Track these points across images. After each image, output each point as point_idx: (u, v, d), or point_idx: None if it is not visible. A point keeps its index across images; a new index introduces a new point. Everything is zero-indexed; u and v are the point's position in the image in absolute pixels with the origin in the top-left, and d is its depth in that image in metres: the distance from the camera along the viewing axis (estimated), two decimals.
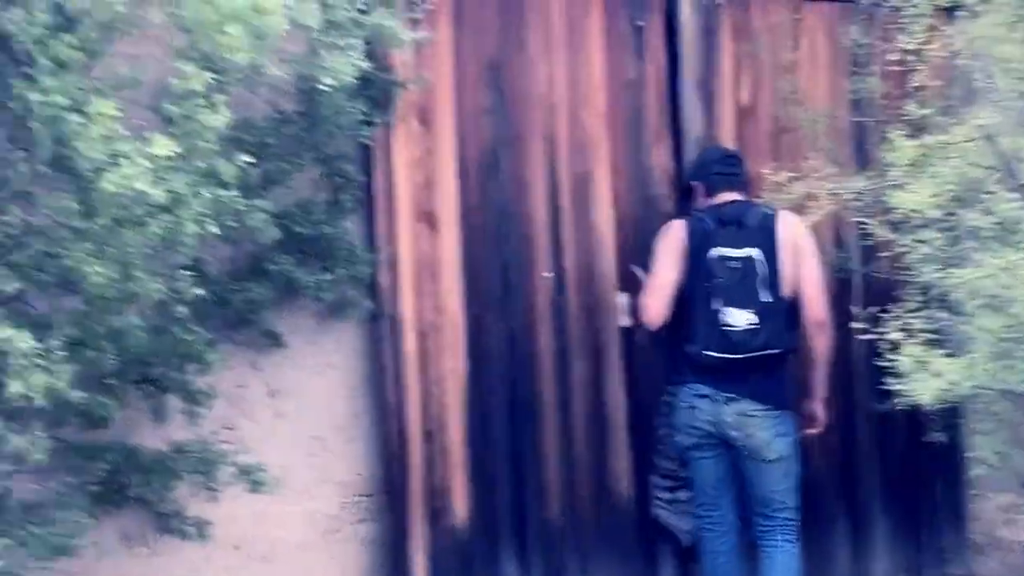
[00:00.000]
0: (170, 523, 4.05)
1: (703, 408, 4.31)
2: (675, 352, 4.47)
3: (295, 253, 4.20)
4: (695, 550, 4.55)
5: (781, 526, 4.34)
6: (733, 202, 4.37)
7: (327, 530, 4.40)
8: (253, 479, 3.88)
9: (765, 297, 4.23)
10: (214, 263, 4.11)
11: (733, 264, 4.25)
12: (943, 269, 3.38)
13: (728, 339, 4.21)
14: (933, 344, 3.25)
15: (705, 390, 4.30)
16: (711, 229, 4.31)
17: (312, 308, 4.35)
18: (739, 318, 4.20)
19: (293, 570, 4.34)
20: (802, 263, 4.30)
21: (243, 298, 4.09)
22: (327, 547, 4.40)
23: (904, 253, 3.77)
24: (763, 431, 4.27)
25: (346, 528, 4.43)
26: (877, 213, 3.93)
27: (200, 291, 3.38)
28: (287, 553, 4.33)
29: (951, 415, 4.43)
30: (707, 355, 4.24)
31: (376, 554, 4.46)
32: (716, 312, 4.22)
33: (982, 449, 4.01)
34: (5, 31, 3.16)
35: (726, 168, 4.43)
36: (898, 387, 3.20)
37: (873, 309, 3.93)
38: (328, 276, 4.20)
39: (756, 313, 4.20)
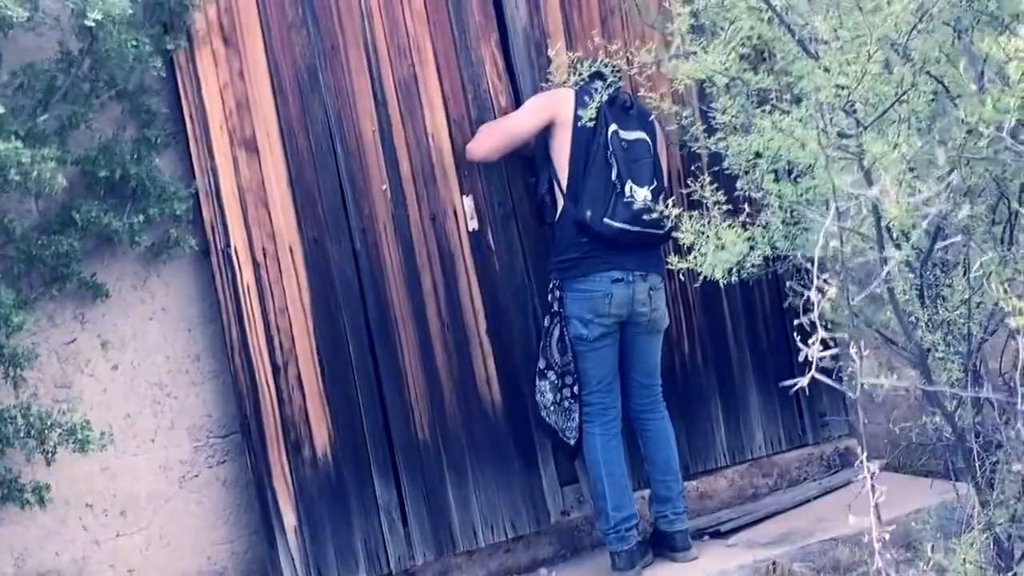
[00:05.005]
0: (8, 491, 3.90)
1: (619, 293, 4.29)
2: (568, 239, 4.34)
3: (104, 198, 4.02)
4: (578, 447, 4.44)
5: (658, 397, 4.48)
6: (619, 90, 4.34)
7: (184, 476, 4.27)
8: (78, 439, 3.71)
9: (655, 179, 4.31)
10: (18, 218, 3.92)
11: (626, 144, 4.28)
12: (724, 138, 3.25)
13: (630, 210, 4.19)
14: (731, 216, 3.10)
15: (618, 274, 4.29)
16: (601, 105, 4.25)
17: (135, 252, 4.17)
18: (638, 193, 4.21)
19: (153, 521, 4.22)
20: (663, 167, 4.44)
21: (52, 252, 3.91)
22: (186, 493, 4.27)
23: (691, 124, 3.63)
24: (661, 302, 4.42)
25: (204, 472, 4.30)
26: (663, 85, 3.79)
27: None
28: (144, 505, 4.20)
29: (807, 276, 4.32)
30: (608, 223, 4.22)
31: (239, 495, 4.34)
32: (617, 184, 4.23)
33: (830, 309, 3.88)
34: None
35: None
36: (679, 265, 3.06)
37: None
38: (140, 218, 4.02)
39: (652, 191, 4.23)
